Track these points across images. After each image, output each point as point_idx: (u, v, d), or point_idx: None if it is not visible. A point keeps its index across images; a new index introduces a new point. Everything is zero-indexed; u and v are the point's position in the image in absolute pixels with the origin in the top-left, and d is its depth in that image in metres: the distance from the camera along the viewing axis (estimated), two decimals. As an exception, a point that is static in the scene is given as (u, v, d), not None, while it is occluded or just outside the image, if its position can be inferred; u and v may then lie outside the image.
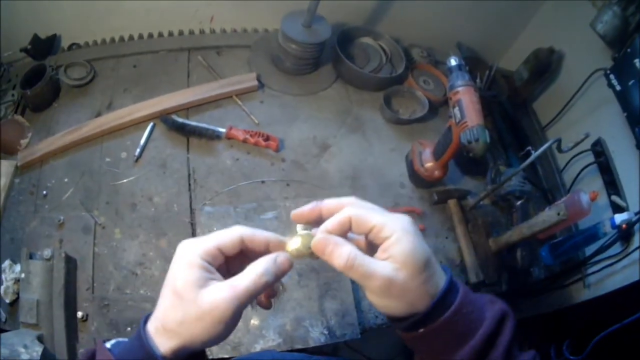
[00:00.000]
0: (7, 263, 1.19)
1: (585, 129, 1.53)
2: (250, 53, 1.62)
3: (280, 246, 0.54)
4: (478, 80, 1.64)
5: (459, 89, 1.21)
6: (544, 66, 1.66)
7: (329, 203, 0.54)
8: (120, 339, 0.52)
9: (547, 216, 1.21)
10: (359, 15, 1.76)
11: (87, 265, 1.20)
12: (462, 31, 1.86)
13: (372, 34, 1.72)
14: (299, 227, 0.55)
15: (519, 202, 1.43)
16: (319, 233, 0.52)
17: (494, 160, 1.57)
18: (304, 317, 1.16)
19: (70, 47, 1.64)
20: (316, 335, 1.14)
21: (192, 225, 1.27)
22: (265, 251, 0.54)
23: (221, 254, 0.52)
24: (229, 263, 0.54)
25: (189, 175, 1.35)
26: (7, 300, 1.15)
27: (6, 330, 1.11)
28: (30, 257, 1.18)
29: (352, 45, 1.69)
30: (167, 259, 1.21)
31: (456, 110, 1.21)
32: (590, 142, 1.51)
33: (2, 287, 1.16)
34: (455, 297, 0.51)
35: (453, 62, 1.26)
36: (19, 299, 1.14)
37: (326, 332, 1.15)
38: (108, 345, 0.50)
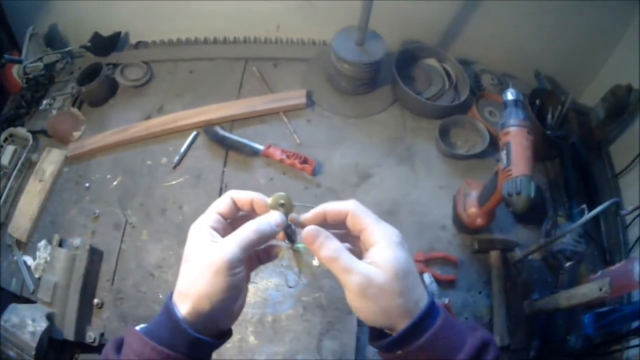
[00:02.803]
0: (43, 243, 1.28)
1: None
2: (307, 68, 1.57)
3: (262, 204, 0.58)
4: (549, 116, 1.47)
5: (510, 129, 1.06)
6: (622, 105, 1.45)
7: (332, 207, 0.57)
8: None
9: (589, 290, 1.03)
10: (429, 33, 1.65)
11: (112, 259, 1.25)
12: (542, 59, 1.69)
13: (436, 55, 1.59)
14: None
15: (567, 264, 1.25)
16: (311, 225, 0.56)
17: (554, 210, 1.41)
18: (298, 351, 1.12)
19: (137, 45, 1.68)
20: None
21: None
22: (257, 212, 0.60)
23: (221, 217, 0.58)
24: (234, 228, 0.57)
25: (221, 188, 1.33)
26: (37, 276, 1.25)
27: (32, 301, 1.21)
28: (61, 244, 1.27)
29: (414, 66, 1.58)
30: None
31: (503, 154, 1.07)
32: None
33: (35, 262, 1.27)
34: (434, 321, 0.52)
35: (510, 95, 1.11)
36: (41, 278, 1.22)
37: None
38: (137, 328, 0.54)
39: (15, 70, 1.59)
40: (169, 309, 0.53)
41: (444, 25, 1.63)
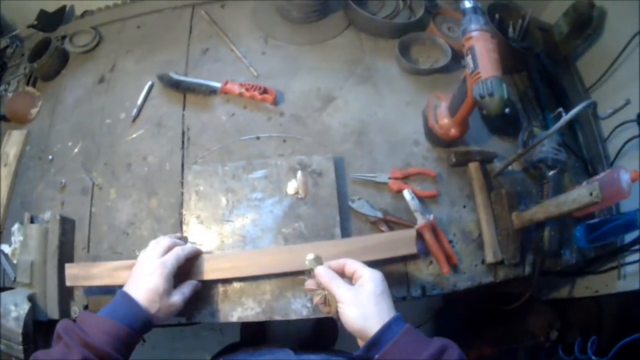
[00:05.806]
0: (16, 226, 1.24)
1: (632, 95, 1.29)
2: (255, 3, 1.51)
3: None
4: (510, 30, 1.44)
5: (473, 33, 1.03)
6: (585, 20, 1.42)
7: (334, 263, 0.88)
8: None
9: (578, 195, 1.00)
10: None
11: (84, 225, 1.22)
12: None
13: (387, -26, 1.54)
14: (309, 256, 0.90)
15: (551, 173, 1.21)
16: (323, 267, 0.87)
17: (528, 121, 1.38)
18: (286, 287, 1.07)
19: (83, 15, 1.64)
20: (298, 308, 1.06)
21: (182, 184, 1.22)
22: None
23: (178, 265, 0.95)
24: None
25: (183, 133, 1.29)
26: (14, 261, 1.19)
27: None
28: (32, 221, 1.21)
29: (365, -13, 1.53)
30: (157, 219, 1.18)
31: (469, 58, 1.03)
32: (636, 112, 1.28)
33: (11, 248, 1.22)
34: (401, 326, 0.74)
35: (467, 3, 1.07)
36: (17, 261, 1.17)
37: (309, 305, 1.06)
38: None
39: (-39, 61, 1.56)
40: (133, 303, 0.84)
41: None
